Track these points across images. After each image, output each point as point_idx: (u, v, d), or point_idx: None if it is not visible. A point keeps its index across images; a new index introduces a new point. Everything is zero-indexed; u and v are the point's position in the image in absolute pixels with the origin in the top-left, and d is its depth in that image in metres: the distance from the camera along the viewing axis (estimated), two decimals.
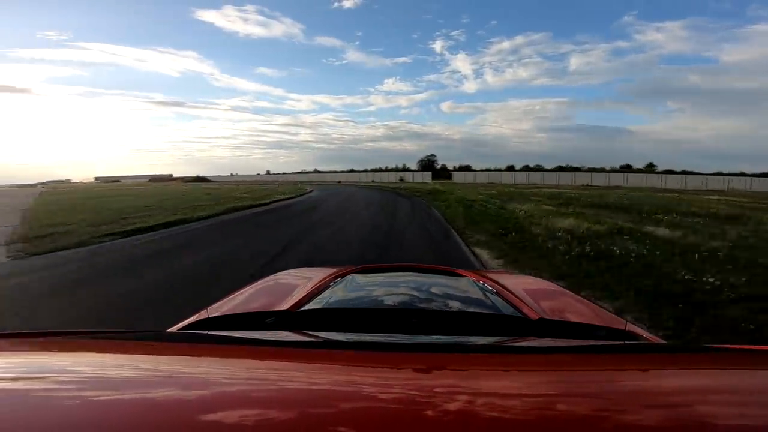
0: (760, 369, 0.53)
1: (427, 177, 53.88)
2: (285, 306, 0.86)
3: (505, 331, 0.77)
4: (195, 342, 0.63)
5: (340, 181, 54.99)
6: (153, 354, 0.55)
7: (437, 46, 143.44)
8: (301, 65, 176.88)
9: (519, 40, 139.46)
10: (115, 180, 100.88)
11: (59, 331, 0.60)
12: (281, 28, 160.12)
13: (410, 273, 1.34)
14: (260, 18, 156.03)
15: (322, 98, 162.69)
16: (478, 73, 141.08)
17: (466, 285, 1.15)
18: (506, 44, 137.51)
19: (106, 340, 0.62)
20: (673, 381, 0.48)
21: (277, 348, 0.59)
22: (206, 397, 0.40)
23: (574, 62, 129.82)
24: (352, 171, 69.40)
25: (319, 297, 0.96)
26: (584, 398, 0.42)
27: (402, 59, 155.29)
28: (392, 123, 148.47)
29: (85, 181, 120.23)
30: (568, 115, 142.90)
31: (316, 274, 1.25)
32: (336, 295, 1.00)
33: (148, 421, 0.35)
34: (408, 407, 0.37)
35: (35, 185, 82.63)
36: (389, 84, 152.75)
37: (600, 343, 0.73)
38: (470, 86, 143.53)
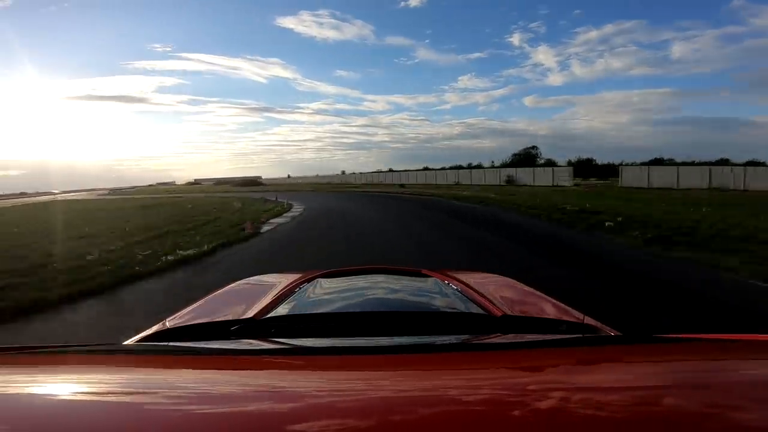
0: (710, 358, 0.55)
1: (563, 176, 30.05)
2: (249, 314, 0.85)
3: (471, 329, 0.78)
4: (153, 354, 0.60)
5: (403, 185, 36.09)
6: (108, 368, 0.52)
7: (515, 39, 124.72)
8: (374, 66, 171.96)
9: (609, 28, 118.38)
10: (196, 183, 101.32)
11: (5, 347, 0.58)
12: (353, 30, 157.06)
13: (376, 276, 1.33)
14: (333, 21, 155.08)
15: (396, 98, 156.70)
16: (563, 65, 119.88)
17: (431, 285, 1.16)
18: (594, 34, 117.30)
19: (56, 355, 0.58)
20: (630, 371, 0.50)
21: (241, 357, 0.58)
22: (165, 411, 0.38)
23: (678, 50, 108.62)
24: (426, 169, 50.25)
25: (285, 303, 0.95)
26: (548, 391, 0.42)
27: (476, 55, 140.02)
28: (470, 120, 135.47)
29: (187, 182, 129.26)
30: (673, 106, 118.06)
31: (281, 280, 1.22)
32: (302, 300, 1.00)
33: None
34: (376, 409, 0.37)
35: (135, 188, 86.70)
36: (464, 81, 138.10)
37: (560, 336, 0.73)
38: (555, 79, 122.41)
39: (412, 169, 52.55)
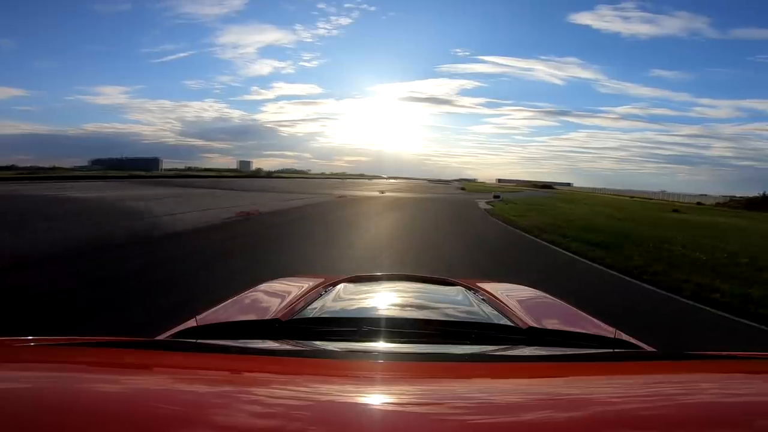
0: (748, 375, 0.54)
1: None
2: (275, 315, 0.86)
3: (496, 340, 0.78)
4: (183, 350, 0.62)
5: None
6: (141, 362, 0.54)
7: None
8: (714, 65, 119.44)
9: None
10: (511, 181, 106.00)
11: (45, 338, 0.59)
12: (675, 23, 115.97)
13: (402, 282, 1.36)
14: (643, 14, 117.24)
15: (752, 104, 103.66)
16: None
17: (457, 294, 1.16)
18: None
19: (95, 348, 0.59)
20: (664, 388, 0.48)
21: (267, 357, 0.59)
22: (194, 405, 0.39)
23: None
24: None
25: (310, 306, 0.97)
26: (574, 406, 0.41)
27: None
28: None
29: (488, 181, 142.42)
30: None
31: (307, 283, 1.23)
32: (327, 304, 1.00)
33: (135, 430, 0.35)
34: (399, 416, 0.37)
35: (450, 181, 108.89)
36: None
37: (589, 351, 0.72)
38: None
39: None
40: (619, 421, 0.37)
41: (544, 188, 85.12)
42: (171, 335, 0.80)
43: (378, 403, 0.40)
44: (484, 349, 0.72)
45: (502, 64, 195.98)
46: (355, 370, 0.51)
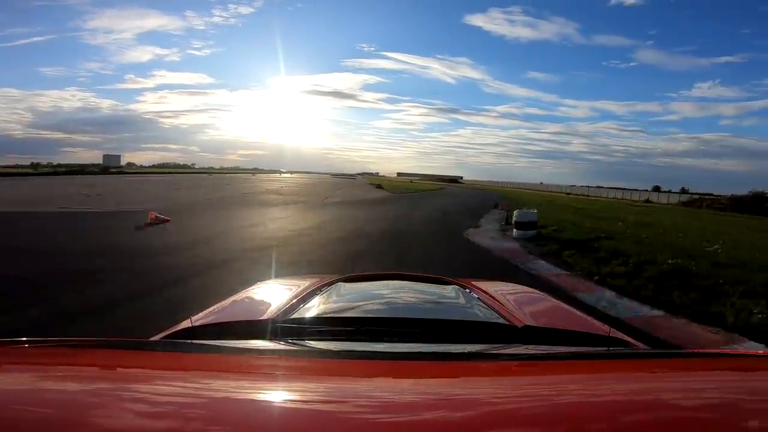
0: (739, 373, 0.55)
1: None
2: (270, 315, 0.87)
3: (492, 339, 0.78)
4: (178, 350, 0.63)
5: None
6: (136, 362, 0.55)
7: None
8: (578, 68, 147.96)
9: None
10: (412, 175, 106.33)
11: (40, 340, 0.59)
12: (552, 28, 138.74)
13: (397, 281, 1.34)
14: (526, 19, 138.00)
15: (603, 104, 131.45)
16: None
17: (452, 293, 1.17)
18: None
19: (89, 349, 0.60)
20: (656, 385, 0.49)
21: (262, 357, 0.60)
22: (190, 405, 0.40)
23: None
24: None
25: (305, 306, 0.97)
26: (569, 404, 0.42)
27: (725, 59, 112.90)
28: (706, 136, 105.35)
29: (388, 175, 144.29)
30: None
31: (302, 283, 1.23)
32: (322, 303, 1.01)
33: (131, 430, 0.35)
34: (395, 415, 0.38)
35: (354, 175, 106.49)
36: (704, 89, 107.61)
37: (584, 349, 0.72)
38: None
39: (626, 187, 38.23)
40: (612, 418, 0.38)
41: (451, 182, 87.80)
42: (166, 336, 0.79)
43: (373, 402, 0.40)
44: (480, 348, 0.71)
45: (403, 61, 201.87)
46: (350, 369, 0.51)
